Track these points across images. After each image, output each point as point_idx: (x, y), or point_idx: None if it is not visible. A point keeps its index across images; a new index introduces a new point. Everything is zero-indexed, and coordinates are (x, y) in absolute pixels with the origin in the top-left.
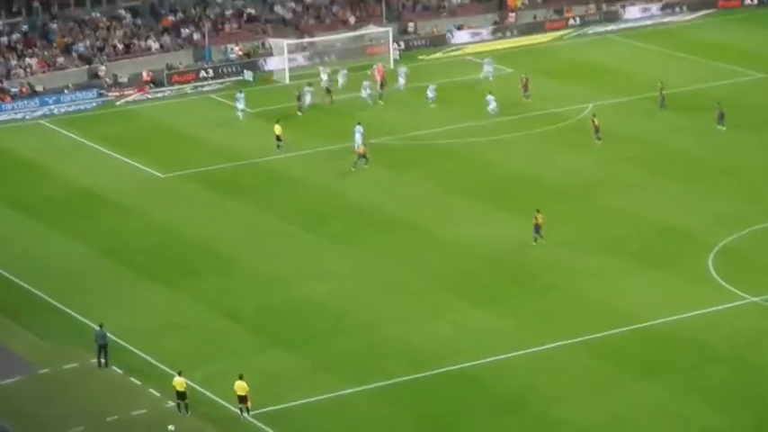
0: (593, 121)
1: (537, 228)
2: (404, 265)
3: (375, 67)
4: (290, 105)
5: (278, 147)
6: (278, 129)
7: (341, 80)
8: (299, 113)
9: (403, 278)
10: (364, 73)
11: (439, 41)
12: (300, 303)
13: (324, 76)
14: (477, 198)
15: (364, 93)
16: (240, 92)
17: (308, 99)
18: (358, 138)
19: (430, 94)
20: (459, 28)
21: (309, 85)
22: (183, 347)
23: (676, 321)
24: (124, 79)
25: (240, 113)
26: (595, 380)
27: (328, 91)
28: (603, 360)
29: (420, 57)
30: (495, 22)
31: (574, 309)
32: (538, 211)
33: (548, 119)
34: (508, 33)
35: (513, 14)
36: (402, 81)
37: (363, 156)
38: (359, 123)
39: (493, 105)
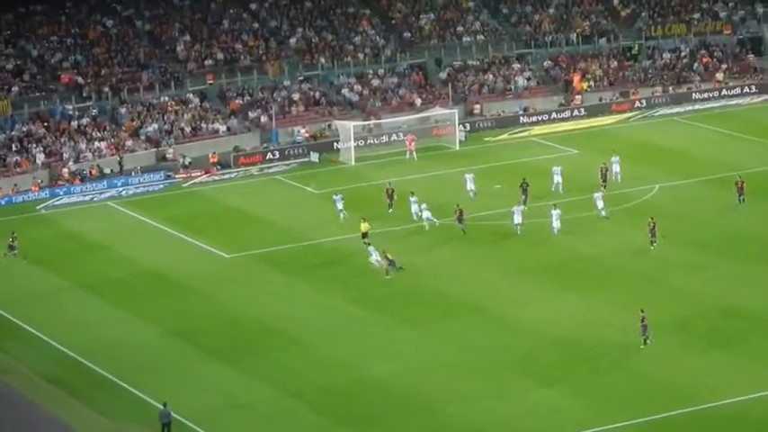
0: None
1: (644, 328)
2: (468, 346)
3: (407, 137)
4: (355, 186)
5: (365, 244)
6: (365, 226)
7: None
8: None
9: (467, 358)
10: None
11: (505, 123)
12: (364, 384)
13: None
14: (541, 278)
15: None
16: (337, 194)
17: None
18: (414, 208)
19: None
20: (525, 110)
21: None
22: (247, 427)
23: (743, 402)
24: (191, 161)
25: (341, 214)
26: None
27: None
28: None
29: (486, 138)
30: (561, 104)
31: (639, 389)
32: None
33: (614, 199)
34: (574, 114)
35: (580, 97)
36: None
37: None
38: (412, 193)
39: (558, 179)
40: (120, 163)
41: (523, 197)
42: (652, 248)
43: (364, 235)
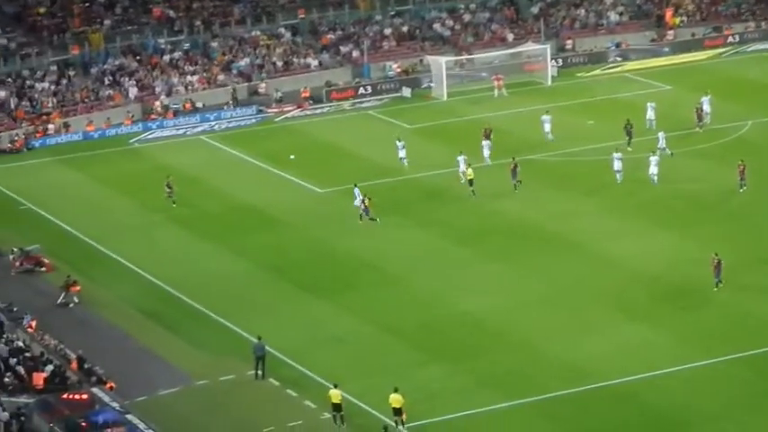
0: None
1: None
2: (562, 281)
3: (494, 77)
4: (447, 122)
5: (473, 193)
6: (471, 173)
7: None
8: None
9: (560, 294)
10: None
11: (597, 59)
12: (460, 319)
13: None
14: (634, 214)
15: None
16: (399, 140)
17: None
18: (462, 166)
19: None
20: (618, 45)
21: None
22: (340, 361)
23: None
24: (283, 96)
25: (404, 160)
26: (756, 397)
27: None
28: (765, 377)
29: (578, 74)
30: (653, 40)
31: (733, 324)
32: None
33: (706, 136)
34: (666, 50)
35: (672, 32)
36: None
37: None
38: (462, 153)
39: (650, 114)
40: (233, 95)
41: (627, 138)
42: (741, 191)
43: (470, 182)
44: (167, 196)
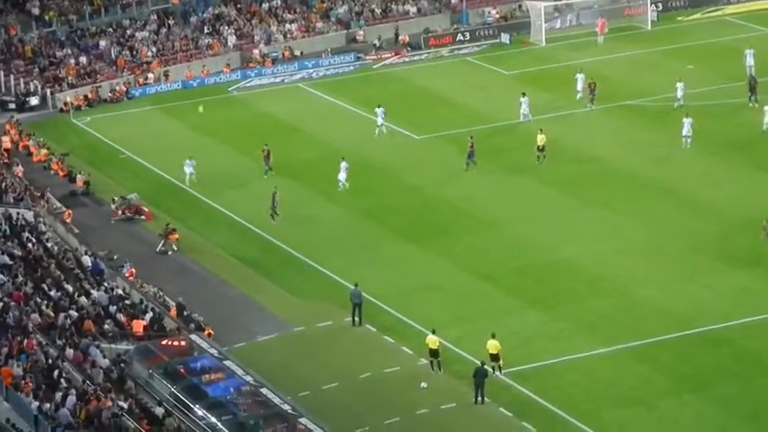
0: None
1: None
2: (658, 227)
3: (598, 21)
4: (547, 67)
5: (538, 159)
6: (541, 139)
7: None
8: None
9: (658, 241)
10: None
11: (698, 2)
12: (556, 265)
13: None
14: (733, 159)
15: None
16: (379, 107)
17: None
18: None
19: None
20: None
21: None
22: (437, 307)
23: None
24: (382, 43)
25: (378, 129)
26: None
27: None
28: None
29: (678, 18)
30: None
31: None
32: None
33: None
34: None
35: None
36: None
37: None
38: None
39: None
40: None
41: (750, 95)
42: None
43: (540, 148)
44: (265, 165)
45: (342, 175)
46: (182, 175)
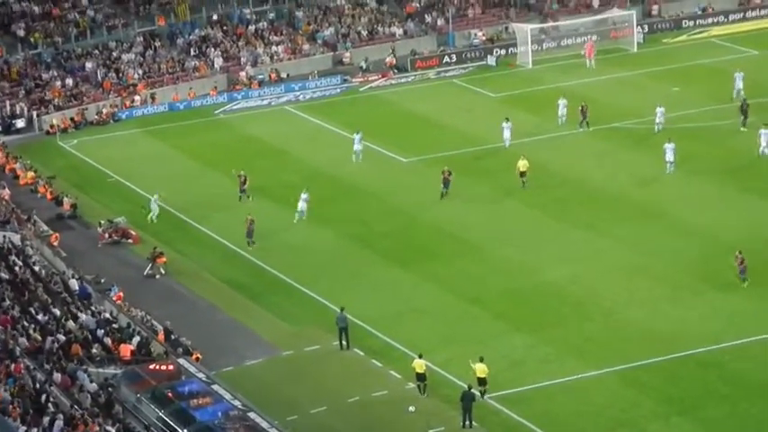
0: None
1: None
2: (643, 249)
3: (586, 44)
4: (533, 89)
5: (523, 184)
6: (523, 164)
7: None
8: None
9: (643, 262)
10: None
11: (683, 24)
12: (543, 288)
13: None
14: (720, 182)
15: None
16: (358, 132)
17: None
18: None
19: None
20: (704, 10)
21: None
22: (424, 331)
23: None
24: (368, 65)
25: (358, 155)
26: None
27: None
28: None
29: (664, 40)
30: (741, 4)
31: None
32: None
33: None
34: (754, 13)
35: None
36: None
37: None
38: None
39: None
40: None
41: (742, 118)
42: None
43: (522, 174)
44: (240, 191)
45: (301, 205)
46: (168, 198)
